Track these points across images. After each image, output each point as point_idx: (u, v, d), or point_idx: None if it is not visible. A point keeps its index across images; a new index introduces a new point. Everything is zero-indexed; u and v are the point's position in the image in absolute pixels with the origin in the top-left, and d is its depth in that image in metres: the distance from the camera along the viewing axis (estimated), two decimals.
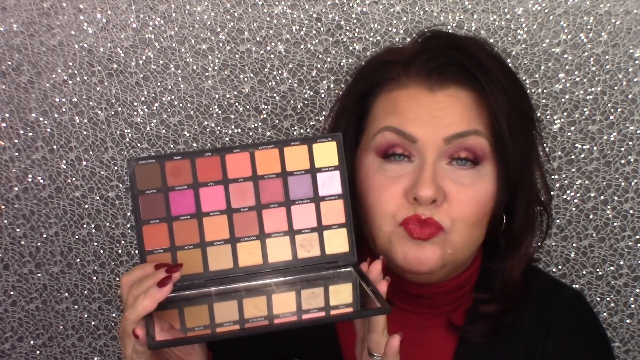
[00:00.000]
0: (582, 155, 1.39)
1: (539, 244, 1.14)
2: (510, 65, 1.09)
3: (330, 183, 0.95)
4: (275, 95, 1.40)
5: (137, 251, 1.44)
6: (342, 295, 0.92)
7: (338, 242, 0.95)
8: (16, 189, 1.43)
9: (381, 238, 1.01)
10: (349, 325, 0.99)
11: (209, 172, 0.94)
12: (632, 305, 1.42)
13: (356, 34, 1.37)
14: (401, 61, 1.04)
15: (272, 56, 1.39)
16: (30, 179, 1.43)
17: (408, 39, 1.35)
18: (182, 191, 0.94)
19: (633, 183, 1.39)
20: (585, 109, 1.38)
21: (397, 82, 1.02)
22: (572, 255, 1.42)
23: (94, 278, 1.45)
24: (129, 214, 1.43)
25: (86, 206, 1.43)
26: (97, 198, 1.43)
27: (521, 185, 1.05)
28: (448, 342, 1.08)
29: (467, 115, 1.00)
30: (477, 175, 1.00)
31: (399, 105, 1.01)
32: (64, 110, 1.41)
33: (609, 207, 1.40)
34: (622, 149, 1.38)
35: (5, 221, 1.44)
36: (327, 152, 0.95)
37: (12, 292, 1.46)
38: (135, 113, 1.41)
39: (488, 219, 1.03)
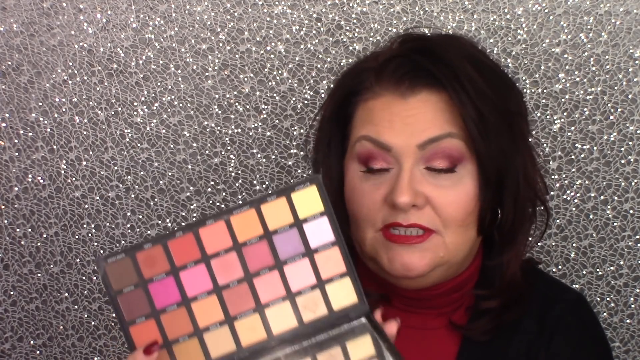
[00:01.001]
0: (582, 155, 1.39)
1: (539, 238, 1.14)
2: (505, 62, 1.08)
3: (321, 231, 0.87)
4: (275, 95, 1.40)
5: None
6: (361, 350, 0.86)
7: (344, 294, 0.87)
8: (16, 189, 1.43)
9: (367, 245, 1.03)
10: None
11: (186, 252, 0.86)
12: (632, 305, 1.42)
13: (356, 34, 1.37)
14: (374, 68, 1.04)
15: (272, 56, 1.39)
16: (30, 179, 1.43)
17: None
18: (161, 280, 0.86)
19: (633, 183, 1.39)
20: (585, 109, 1.38)
21: (371, 91, 1.03)
22: (572, 255, 1.42)
23: (94, 278, 1.45)
24: (129, 214, 1.43)
25: (86, 206, 1.43)
26: (97, 198, 1.43)
27: (506, 181, 1.04)
28: (451, 343, 1.08)
29: (439, 119, 1.00)
30: (456, 177, 1.00)
31: (374, 114, 1.02)
32: (64, 110, 1.41)
33: (609, 207, 1.40)
34: (622, 149, 1.38)
35: (5, 221, 1.44)
36: (309, 199, 0.87)
37: (12, 292, 1.46)
38: (135, 113, 1.41)
39: (475, 217, 1.03)
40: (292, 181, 1.41)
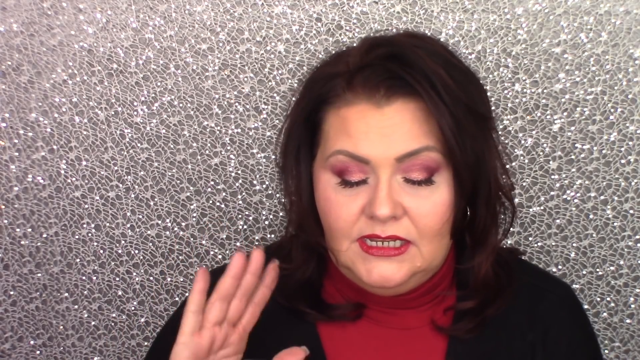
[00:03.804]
0: (582, 155, 1.39)
1: (505, 235, 1.12)
2: (456, 56, 1.05)
3: None
4: (275, 95, 1.40)
5: (136, 251, 1.44)
6: None
7: None
8: (16, 189, 1.43)
9: (342, 256, 1.01)
10: (332, 332, 0.99)
11: None
12: (632, 305, 1.42)
13: (356, 34, 1.37)
14: (344, 74, 1.00)
15: (272, 56, 1.39)
16: (30, 179, 1.43)
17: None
18: None
19: (633, 183, 1.39)
20: (585, 109, 1.38)
21: (343, 98, 1.00)
22: (572, 255, 1.42)
23: (94, 278, 1.45)
24: (128, 214, 1.43)
25: (86, 206, 1.43)
26: (97, 198, 1.43)
27: (479, 183, 1.02)
28: (437, 342, 1.07)
29: (416, 131, 0.97)
30: (433, 187, 0.99)
31: (349, 125, 0.99)
32: (64, 110, 1.41)
33: (609, 207, 1.40)
34: (622, 149, 1.38)
35: (5, 221, 1.44)
36: None
37: (12, 292, 1.46)
38: (135, 113, 1.41)
39: (450, 225, 1.02)
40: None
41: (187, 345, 0.93)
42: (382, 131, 0.97)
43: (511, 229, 1.12)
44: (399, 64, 0.97)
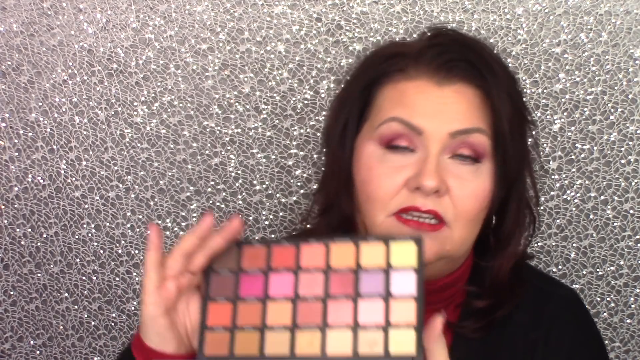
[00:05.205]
0: (582, 155, 1.39)
1: (527, 245, 1.14)
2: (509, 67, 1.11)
3: (405, 283, 0.91)
4: (275, 95, 1.40)
5: (136, 251, 1.44)
6: None
7: (405, 343, 0.89)
8: (16, 189, 1.43)
9: (376, 230, 1.02)
10: None
11: (283, 260, 0.94)
12: (632, 305, 1.42)
13: (356, 34, 1.37)
14: (410, 54, 1.04)
15: (272, 56, 1.39)
16: (30, 179, 1.43)
17: (408, 39, 1.35)
18: (253, 275, 0.94)
19: (633, 183, 1.39)
20: (585, 109, 1.38)
21: (404, 73, 1.03)
22: (572, 255, 1.42)
23: (94, 278, 1.45)
24: (128, 214, 1.43)
25: (86, 206, 1.43)
26: (97, 198, 1.43)
27: (515, 186, 1.06)
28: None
29: (472, 112, 1.01)
30: (477, 172, 1.01)
31: (407, 97, 1.02)
32: (64, 110, 1.41)
33: (609, 207, 1.40)
34: (622, 149, 1.38)
35: (5, 221, 1.44)
36: (406, 253, 0.91)
37: (12, 292, 1.46)
38: (135, 113, 1.41)
39: (484, 216, 1.04)
40: (291, 181, 1.41)
41: (156, 303, 0.91)
42: (440, 107, 1.00)
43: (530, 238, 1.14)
44: (467, 49, 1.03)
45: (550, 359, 1.08)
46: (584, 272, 1.42)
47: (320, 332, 0.91)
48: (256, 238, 1.43)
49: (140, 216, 1.43)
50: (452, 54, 1.03)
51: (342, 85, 1.13)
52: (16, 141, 1.42)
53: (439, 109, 1.00)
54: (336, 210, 1.08)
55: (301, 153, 1.40)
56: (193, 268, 0.92)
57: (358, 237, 0.93)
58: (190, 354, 0.94)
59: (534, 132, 1.12)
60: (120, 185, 1.43)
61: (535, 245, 1.41)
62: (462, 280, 1.08)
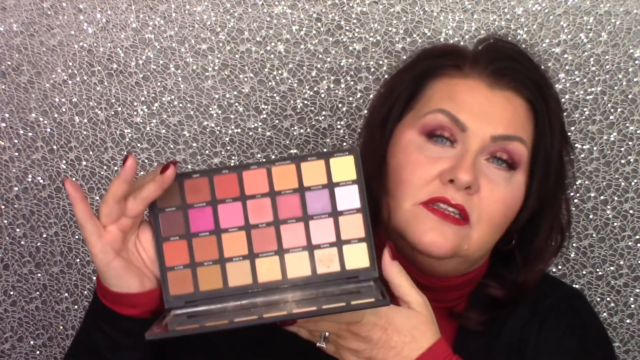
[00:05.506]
0: (582, 155, 1.39)
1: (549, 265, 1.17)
2: None
3: (349, 197, 0.94)
4: (275, 95, 1.40)
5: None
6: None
7: (358, 257, 0.94)
8: (16, 189, 1.43)
9: (400, 215, 1.02)
10: None
11: (227, 189, 0.94)
12: (632, 305, 1.42)
13: (356, 34, 1.37)
14: (468, 55, 1.08)
15: (272, 56, 1.39)
16: (30, 179, 1.43)
17: (408, 39, 1.35)
18: (200, 208, 0.94)
19: (633, 183, 1.39)
20: (585, 109, 1.38)
21: (460, 70, 1.06)
22: (572, 255, 1.42)
23: (94, 278, 1.45)
24: None
25: None
26: (97, 198, 1.43)
27: (549, 204, 1.08)
28: (448, 329, 1.09)
29: (516, 121, 1.04)
30: (510, 179, 1.03)
31: (457, 93, 1.04)
32: (64, 110, 1.41)
33: (609, 207, 1.40)
34: (622, 149, 1.38)
35: (5, 221, 1.44)
36: (345, 167, 0.94)
37: (12, 292, 1.46)
38: (135, 113, 1.41)
39: (507, 225, 1.05)
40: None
41: (104, 250, 0.90)
42: (487, 109, 1.03)
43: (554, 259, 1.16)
44: (523, 60, 1.07)
45: (540, 347, 1.08)
46: (584, 272, 1.42)
47: (279, 257, 0.94)
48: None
49: None
50: (509, 62, 1.06)
51: (394, 73, 1.15)
52: (16, 141, 1.42)
53: (487, 111, 1.02)
54: None
55: (301, 153, 1.40)
56: (130, 213, 0.92)
57: (296, 156, 0.95)
58: (157, 289, 0.95)
59: (571, 157, 1.13)
60: None
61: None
62: (474, 283, 1.10)
